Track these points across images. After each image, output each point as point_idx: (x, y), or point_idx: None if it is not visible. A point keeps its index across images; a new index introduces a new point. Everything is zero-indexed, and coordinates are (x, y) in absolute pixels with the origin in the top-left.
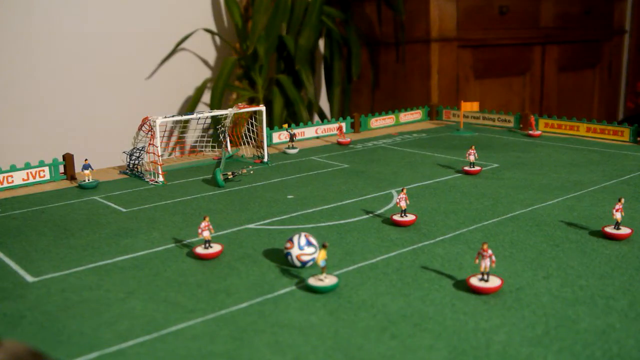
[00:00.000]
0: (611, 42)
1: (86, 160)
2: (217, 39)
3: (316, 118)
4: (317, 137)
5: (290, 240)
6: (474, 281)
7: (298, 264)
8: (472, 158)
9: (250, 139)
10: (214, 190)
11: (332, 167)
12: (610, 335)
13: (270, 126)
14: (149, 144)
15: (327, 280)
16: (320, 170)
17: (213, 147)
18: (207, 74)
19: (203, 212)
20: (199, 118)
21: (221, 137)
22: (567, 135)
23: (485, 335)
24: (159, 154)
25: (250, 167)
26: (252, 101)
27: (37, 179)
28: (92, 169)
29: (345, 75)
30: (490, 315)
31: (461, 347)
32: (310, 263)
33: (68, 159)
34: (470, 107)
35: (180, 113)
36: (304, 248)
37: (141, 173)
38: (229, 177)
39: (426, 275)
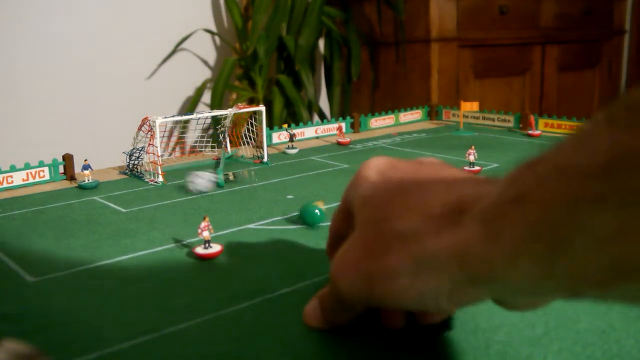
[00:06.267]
0: (611, 42)
1: (86, 160)
2: (217, 39)
3: (316, 118)
4: (317, 137)
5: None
6: None
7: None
8: (471, 158)
9: (250, 139)
10: (214, 190)
11: (332, 167)
12: (610, 335)
13: (270, 126)
14: (149, 144)
15: None
16: (320, 170)
17: (213, 147)
18: (207, 74)
19: (203, 212)
20: (199, 118)
21: (221, 137)
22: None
23: (485, 335)
24: (159, 154)
25: (253, 171)
26: (252, 101)
27: (37, 179)
28: (92, 169)
29: (345, 75)
30: (490, 315)
31: (461, 347)
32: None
33: (68, 159)
34: (470, 107)
35: (180, 113)
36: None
37: (141, 173)
38: (230, 178)
39: None
